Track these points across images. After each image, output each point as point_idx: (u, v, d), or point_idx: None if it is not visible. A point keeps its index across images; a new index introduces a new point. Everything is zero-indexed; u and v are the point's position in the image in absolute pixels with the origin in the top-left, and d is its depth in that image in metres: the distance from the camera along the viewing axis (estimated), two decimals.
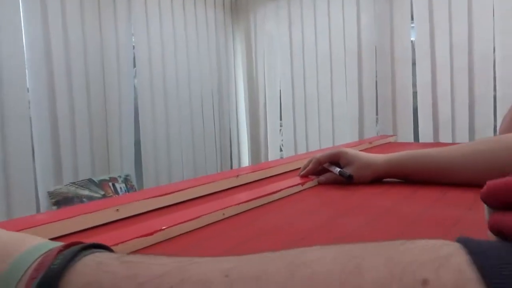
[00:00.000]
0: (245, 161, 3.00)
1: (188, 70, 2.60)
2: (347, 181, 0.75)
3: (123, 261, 0.23)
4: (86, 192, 1.86)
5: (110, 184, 1.99)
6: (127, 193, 1.98)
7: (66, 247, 0.24)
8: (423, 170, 0.71)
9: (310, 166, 0.81)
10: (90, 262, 0.23)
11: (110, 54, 2.17)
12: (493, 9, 1.90)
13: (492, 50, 1.92)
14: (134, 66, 2.34)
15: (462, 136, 1.96)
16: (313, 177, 0.80)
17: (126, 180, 2.08)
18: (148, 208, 0.61)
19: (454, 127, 2.01)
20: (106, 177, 2.02)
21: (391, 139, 1.58)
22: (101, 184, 1.94)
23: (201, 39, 2.69)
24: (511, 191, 0.20)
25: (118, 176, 2.05)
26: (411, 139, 2.15)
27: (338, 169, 0.76)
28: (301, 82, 2.60)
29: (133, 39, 2.31)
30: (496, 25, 1.90)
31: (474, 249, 0.16)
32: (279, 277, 0.19)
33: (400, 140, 1.82)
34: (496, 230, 0.21)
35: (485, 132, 1.90)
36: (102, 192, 1.94)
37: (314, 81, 2.54)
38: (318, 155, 0.80)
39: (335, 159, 0.78)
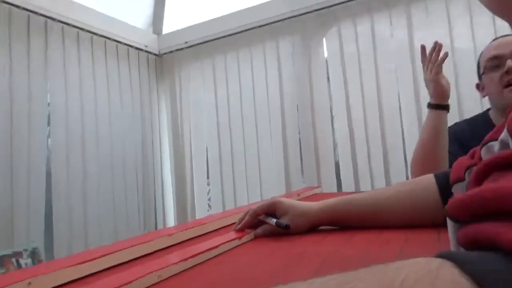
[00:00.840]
0: (171, 222, 2.85)
1: (109, 128, 2.47)
2: (284, 231, 0.73)
3: None
4: None
5: (13, 260, 1.73)
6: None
7: None
8: (355, 215, 0.73)
9: (247, 218, 0.78)
10: None
11: (21, 111, 1.99)
12: (395, 66, 2.14)
13: (398, 103, 2.14)
14: (49, 124, 2.17)
15: (380, 183, 2.10)
16: (249, 230, 0.78)
17: (33, 253, 1.82)
18: (69, 278, 0.53)
19: (372, 175, 2.15)
20: (8, 252, 1.75)
21: (317, 190, 1.62)
22: (2, 261, 1.68)
23: (124, 96, 2.62)
24: (475, 202, 0.22)
25: (23, 250, 1.79)
26: (334, 188, 2.24)
27: (275, 220, 0.75)
28: (228, 138, 2.63)
29: (48, 96, 2.16)
30: (399, 80, 2.14)
31: (459, 260, 0.17)
32: None
33: (325, 190, 1.89)
34: (470, 240, 0.22)
35: (399, 178, 2.05)
36: (3, 270, 1.67)
37: (240, 136, 2.58)
38: (254, 207, 0.79)
39: (271, 210, 0.77)
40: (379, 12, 2.19)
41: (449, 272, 0.17)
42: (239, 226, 0.79)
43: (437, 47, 1.13)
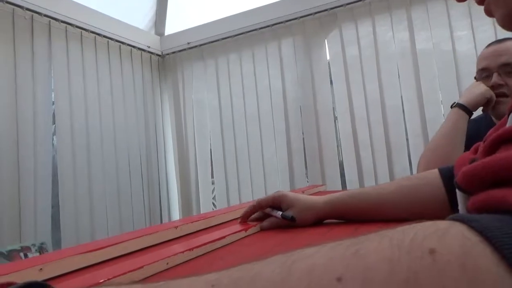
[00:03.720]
0: (176, 219, 2.86)
1: (113, 126, 2.49)
2: (290, 223, 0.74)
3: None
4: None
5: (22, 254, 1.74)
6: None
7: (2, 286, 0.20)
8: (359, 209, 0.73)
9: (251, 209, 0.80)
10: None
11: (26, 108, 2.00)
12: (397, 69, 2.16)
13: (401, 104, 2.15)
14: (54, 122, 2.19)
15: (384, 181, 2.09)
16: (255, 223, 0.79)
17: (41, 248, 1.84)
18: (79, 265, 0.54)
19: (376, 174, 2.16)
20: (16, 246, 1.76)
21: (321, 188, 1.63)
22: (10, 255, 1.69)
23: (127, 96, 2.64)
24: (486, 169, 0.22)
25: (31, 245, 1.81)
26: (339, 187, 2.25)
27: (280, 212, 0.75)
28: (231, 137, 2.64)
29: (53, 95, 2.18)
30: (402, 82, 2.15)
31: (466, 219, 0.17)
32: (275, 275, 0.17)
33: (330, 189, 1.89)
34: (479, 207, 0.22)
35: (403, 176, 2.05)
36: None
37: (244, 136, 2.60)
38: (259, 199, 0.80)
39: (277, 203, 0.78)
40: (380, 14, 2.21)
41: (457, 229, 0.17)
42: (242, 214, 0.80)
43: None
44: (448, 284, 0.15)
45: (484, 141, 0.37)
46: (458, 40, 2.03)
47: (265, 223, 0.77)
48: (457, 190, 0.35)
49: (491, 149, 0.28)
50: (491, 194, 0.22)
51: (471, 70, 1.28)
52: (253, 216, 0.82)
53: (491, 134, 0.35)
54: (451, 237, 0.16)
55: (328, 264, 0.17)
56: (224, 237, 0.67)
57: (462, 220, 0.18)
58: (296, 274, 0.17)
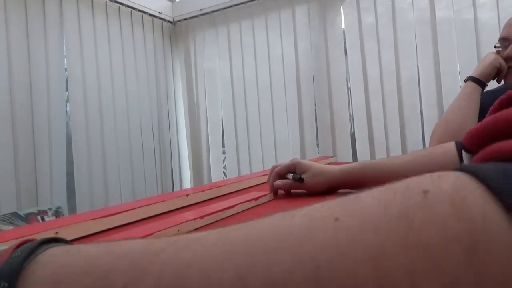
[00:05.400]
0: (187, 187, 2.92)
1: (125, 94, 2.50)
2: (300, 185, 0.77)
3: (95, 245, 0.21)
4: (10, 228, 1.66)
5: (39, 217, 1.80)
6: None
7: (21, 244, 0.21)
8: (372, 178, 0.73)
9: (272, 179, 0.82)
10: (57, 250, 0.20)
11: (39, 75, 2.01)
12: (415, 38, 2.09)
13: (417, 75, 2.10)
14: (67, 89, 2.20)
15: (396, 154, 2.08)
16: (266, 192, 0.80)
17: (57, 212, 1.90)
18: (93, 230, 0.56)
19: (388, 146, 2.14)
20: (34, 210, 1.83)
21: (332, 160, 1.63)
22: (28, 218, 1.75)
23: (139, 62, 2.62)
24: (496, 126, 0.22)
25: (48, 209, 1.87)
26: (350, 159, 2.24)
27: (292, 174, 0.79)
28: (243, 108, 2.63)
29: (66, 61, 2.18)
30: (419, 52, 2.09)
31: (462, 167, 0.18)
32: (277, 221, 0.18)
33: (340, 160, 1.89)
34: (489, 159, 0.22)
35: (416, 149, 2.03)
36: None
37: (256, 107, 2.58)
38: (277, 168, 0.82)
39: (292, 170, 0.80)
40: None
41: (453, 173, 0.17)
42: (269, 184, 0.83)
43: None
44: (438, 219, 0.15)
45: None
46: (481, 8, 1.94)
47: (279, 181, 0.81)
48: (463, 152, 0.35)
49: (501, 108, 0.27)
50: (493, 146, 0.21)
51: (493, 40, 1.23)
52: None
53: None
54: (445, 179, 0.17)
55: (326, 208, 0.18)
56: (234, 206, 0.67)
57: (459, 169, 0.18)
58: (295, 219, 0.18)
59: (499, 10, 1.89)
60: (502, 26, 1.16)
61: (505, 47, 1.10)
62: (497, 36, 1.16)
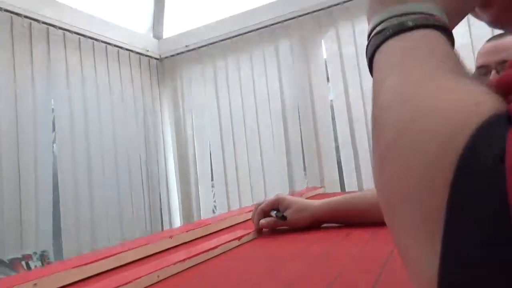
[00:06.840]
0: (177, 223, 2.88)
1: (113, 132, 2.50)
2: (284, 222, 0.78)
3: None
4: None
5: (23, 262, 1.76)
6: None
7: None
8: (355, 212, 0.75)
9: (256, 217, 0.82)
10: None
11: (26, 117, 2.02)
12: None
13: None
14: (53, 130, 2.20)
15: None
16: (249, 231, 0.80)
17: (42, 256, 1.85)
18: (73, 279, 0.55)
19: None
20: (18, 255, 1.78)
21: (320, 191, 1.64)
22: (12, 264, 1.71)
23: (126, 100, 2.64)
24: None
25: (33, 253, 1.83)
26: (338, 188, 2.25)
27: (275, 212, 0.80)
28: (230, 140, 2.64)
29: (52, 102, 2.19)
30: None
31: None
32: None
33: (328, 190, 1.90)
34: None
35: None
36: (13, 273, 1.70)
37: (243, 138, 2.60)
38: (261, 206, 0.83)
39: (275, 205, 0.81)
40: None
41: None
42: (254, 222, 0.83)
43: None
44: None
45: None
46: (455, 35, 2.02)
47: (263, 220, 0.81)
48: None
49: None
50: None
51: (467, 64, 1.27)
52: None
53: None
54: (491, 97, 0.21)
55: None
56: (217, 246, 0.67)
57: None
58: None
59: (472, 37, 1.96)
60: (475, 50, 1.17)
61: (484, 74, 1.08)
62: (472, 61, 1.17)
